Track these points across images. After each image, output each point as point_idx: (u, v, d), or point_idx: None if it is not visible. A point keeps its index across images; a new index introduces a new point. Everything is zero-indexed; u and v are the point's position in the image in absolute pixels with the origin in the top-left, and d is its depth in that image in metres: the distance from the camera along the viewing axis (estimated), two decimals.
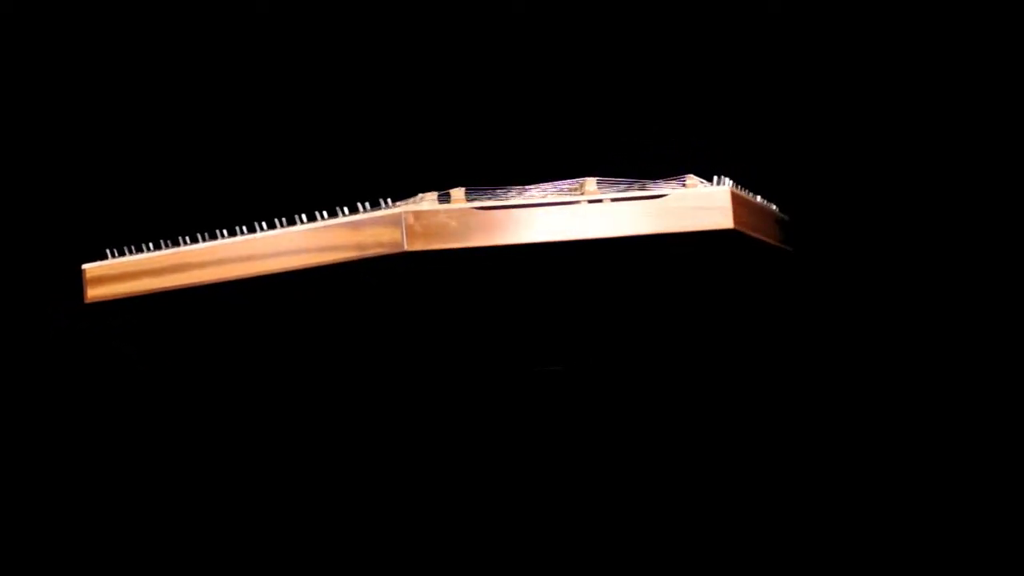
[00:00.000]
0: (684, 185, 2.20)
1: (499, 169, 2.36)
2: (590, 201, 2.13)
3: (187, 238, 2.17)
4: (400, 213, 2.08)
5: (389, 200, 2.12)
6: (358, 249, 2.10)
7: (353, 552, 2.35)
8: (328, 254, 2.12)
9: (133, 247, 2.19)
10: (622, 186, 2.19)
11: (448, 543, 2.37)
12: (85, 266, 2.20)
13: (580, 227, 2.12)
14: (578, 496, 2.41)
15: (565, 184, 2.19)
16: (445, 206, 2.11)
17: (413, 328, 2.44)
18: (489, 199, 2.12)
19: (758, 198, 2.30)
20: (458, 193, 2.14)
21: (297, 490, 2.38)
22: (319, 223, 2.12)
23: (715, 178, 2.19)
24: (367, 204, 2.12)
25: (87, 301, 2.21)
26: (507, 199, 2.12)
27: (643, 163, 2.28)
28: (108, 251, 2.20)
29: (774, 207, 2.38)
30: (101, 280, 2.21)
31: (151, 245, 2.19)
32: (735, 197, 2.17)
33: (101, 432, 2.37)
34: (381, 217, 2.09)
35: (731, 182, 2.19)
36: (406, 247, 2.07)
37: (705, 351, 2.51)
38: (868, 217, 2.61)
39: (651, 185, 2.19)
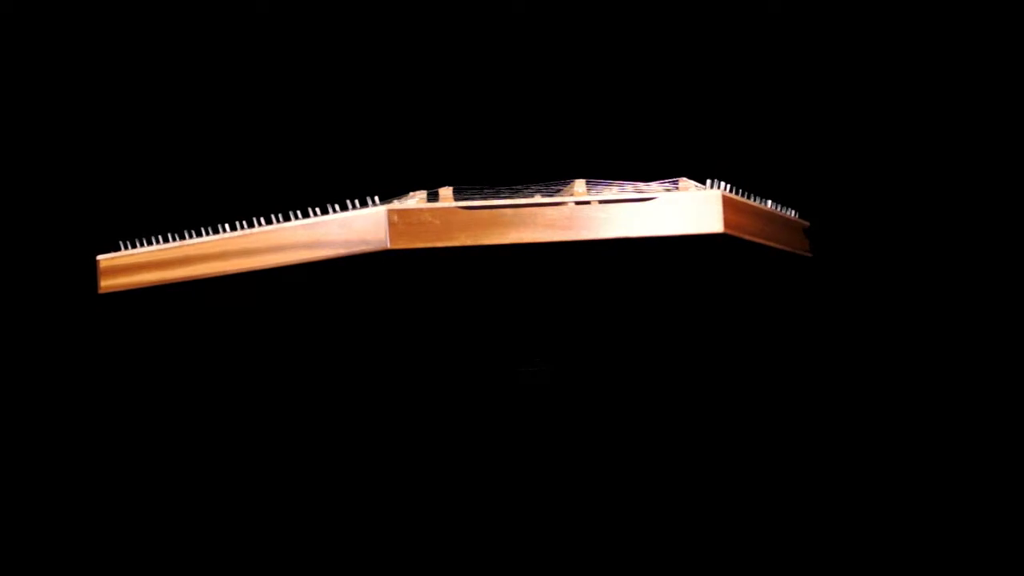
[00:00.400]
0: (676, 188, 2.18)
1: (498, 169, 2.35)
2: (577, 202, 2.12)
3: (192, 232, 2.21)
4: (384, 211, 2.09)
5: (376, 198, 2.13)
6: (346, 246, 2.12)
7: (337, 547, 2.38)
8: (319, 251, 2.14)
9: (145, 240, 2.23)
10: (613, 188, 2.17)
11: (432, 540, 2.38)
12: (99, 257, 2.25)
13: (566, 228, 2.11)
14: (562, 497, 2.41)
15: (555, 185, 2.19)
16: (429, 204, 2.11)
17: (403, 325, 2.45)
18: (477, 198, 2.13)
19: (768, 203, 2.26)
20: (446, 192, 2.15)
21: (286, 482, 2.41)
22: (310, 220, 2.14)
23: (708, 181, 2.16)
24: (356, 202, 2.13)
25: (100, 292, 2.26)
26: (495, 199, 2.12)
27: (657, 165, 2.26)
28: (121, 243, 2.25)
29: (792, 213, 2.34)
30: (114, 271, 2.26)
31: (161, 238, 2.23)
32: (728, 201, 2.14)
33: (109, 421, 2.42)
34: (367, 215, 2.10)
35: (726, 185, 2.16)
36: (389, 245, 2.09)
37: (698, 355, 2.48)
38: (891, 224, 2.56)
39: (643, 187, 2.17)
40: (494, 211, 2.10)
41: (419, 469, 2.41)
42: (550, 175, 2.23)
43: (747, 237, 2.20)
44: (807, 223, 2.39)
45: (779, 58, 2.56)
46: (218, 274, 2.21)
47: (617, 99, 2.53)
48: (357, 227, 2.11)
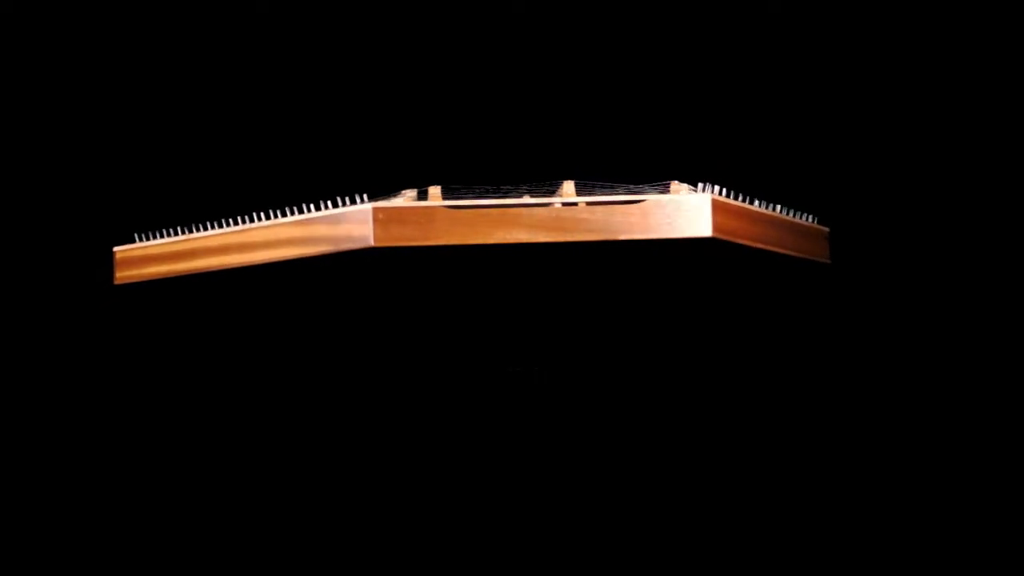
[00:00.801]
0: (667, 190, 2.15)
1: (498, 169, 2.35)
2: (564, 204, 2.10)
3: (200, 225, 2.24)
4: (369, 208, 2.09)
5: (365, 196, 2.13)
6: (334, 243, 2.12)
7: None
8: (309, 247, 2.15)
9: (158, 233, 2.27)
10: (604, 190, 2.15)
11: (413, 537, 2.39)
12: (116, 249, 2.29)
13: (552, 230, 2.09)
14: (547, 500, 2.40)
15: (547, 186, 2.18)
16: (413, 203, 2.11)
17: (391, 323, 2.46)
18: (465, 198, 2.12)
19: (776, 208, 2.21)
20: (435, 191, 2.15)
21: (279, 471, 2.44)
22: (301, 216, 2.16)
23: (700, 185, 2.13)
24: (347, 199, 2.14)
25: (116, 282, 2.30)
26: (481, 199, 2.11)
27: (672, 170, 2.25)
28: (136, 235, 2.29)
29: (808, 218, 2.28)
30: (128, 263, 2.30)
31: (169, 231, 2.26)
32: (719, 205, 2.10)
33: (120, 409, 2.47)
34: (354, 212, 2.10)
35: (720, 189, 2.12)
36: (372, 242, 2.09)
37: (692, 361, 2.45)
38: (911, 229, 2.50)
39: (634, 189, 2.14)
40: (479, 211, 2.08)
41: (400, 466, 2.42)
42: (550, 176, 2.22)
43: (744, 242, 2.15)
44: (826, 229, 2.34)
45: (793, 59, 2.52)
46: (219, 268, 2.24)
47: (625, 101, 2.52)
48: (344, 224, 2.11)
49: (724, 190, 2.12)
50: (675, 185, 2.14)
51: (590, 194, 2.13)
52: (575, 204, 2.09)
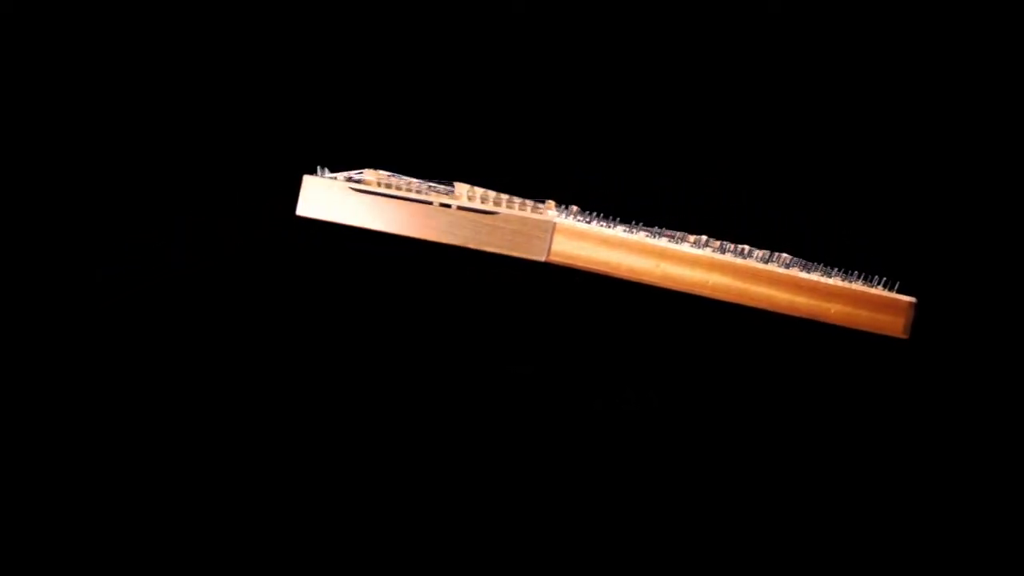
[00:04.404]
0: (540, 209, 2.07)
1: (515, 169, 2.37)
2: (441, 204, 2.11)
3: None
4: (302, 179, 2.24)
5: (326, 169, 2.27)
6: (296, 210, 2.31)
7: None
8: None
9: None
10: (490, 196, 2.12)
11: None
12: (305, 177, 2.54)
13: (419, 226, 2.11)
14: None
15: (440, 185, 2.18)
16: (339, 182, 2.22)
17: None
18: (386, 186, 2.19)
19: (736, 249, 2.03)
20: (373, 174, 2.24)
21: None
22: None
23: (566, 207, 2.03)
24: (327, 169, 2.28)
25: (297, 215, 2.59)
26: (382, 188, 2.18)
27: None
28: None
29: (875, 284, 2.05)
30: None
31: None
32: (567, 231, 2.00)
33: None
34: (299, 183, 2.27)
35: (579, 213, 2.02)
36: (297, 212, 2.24)
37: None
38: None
39: (510, 202, 2.09)
40: (375, 198, 2.16)
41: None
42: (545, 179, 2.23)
43: (633, 278, 2.03)
44: (909, 299, 2.06)
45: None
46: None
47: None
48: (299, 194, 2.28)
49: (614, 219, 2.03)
50: (548, 203, 2.07)
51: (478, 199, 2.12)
52: (450, 207, 2.10)
